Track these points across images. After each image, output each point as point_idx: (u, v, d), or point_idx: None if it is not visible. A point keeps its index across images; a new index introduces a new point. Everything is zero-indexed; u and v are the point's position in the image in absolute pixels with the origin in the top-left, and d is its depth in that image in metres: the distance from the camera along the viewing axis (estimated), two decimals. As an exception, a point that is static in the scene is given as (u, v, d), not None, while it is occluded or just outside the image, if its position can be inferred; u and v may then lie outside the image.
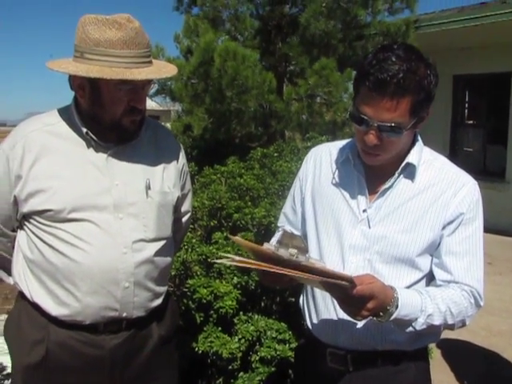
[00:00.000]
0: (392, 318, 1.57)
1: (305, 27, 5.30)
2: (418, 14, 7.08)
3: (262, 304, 3.27)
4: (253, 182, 3.65)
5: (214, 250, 3.13)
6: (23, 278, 1.91)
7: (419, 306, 1.61)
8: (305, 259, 1.49)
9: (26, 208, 1.84)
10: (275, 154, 4.23)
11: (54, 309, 1.86)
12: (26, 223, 1.89)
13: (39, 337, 1.88)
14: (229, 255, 1.56)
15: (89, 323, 1.87)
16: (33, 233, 1.87)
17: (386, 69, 1.56)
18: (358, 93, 1.68)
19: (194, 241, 3.21)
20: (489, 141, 11.39)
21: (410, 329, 1.64)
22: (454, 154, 11.44)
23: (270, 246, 1.54)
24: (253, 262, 1.54)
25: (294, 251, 1.49)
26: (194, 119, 5.44)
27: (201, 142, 5.53)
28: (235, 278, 3.04)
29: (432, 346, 3.83)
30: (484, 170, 11.12)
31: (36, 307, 1.89)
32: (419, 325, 1.63)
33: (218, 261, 1.67)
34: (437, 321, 1.66)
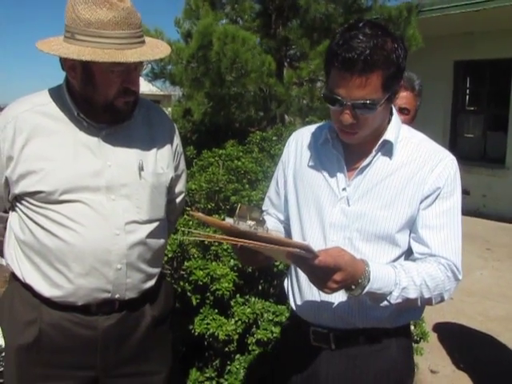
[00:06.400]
0: (365, 291, 1.58)
1: (305, 10, 5.25)
2: (419, -1, 7.02)
3: (260, 287, 3.27)
4: (251, 165, 3.65)
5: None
6: (15, 259, 1.91)
7: (393, 279, 1.62)
8: (262, 230, 1.54)
9: (17, 189, 1.84)
10: (274, 138, 4.22)
11: (46, 290, 1.86)
12: (18, 204, 1.88)
13: (32, 317, 1.88)
14: (195, 231, 1.61)
15: (81, 304, 1.88)
16: (25, 214, 1.86)
17: (353, 47, 1.57)
18: (328, 75, 1.69)
19: (191, 223, 3.21)
20: (489, 127, 11.36)
21: (386, 303, 1.65)
22: (455, 141, 11.43)
23: (230, 219, 1.59)
24: (215, 235, 1.67)
25: (252, 223, 1.55)
26: (193, 103, 5.42)
27: (201, 127, 5.51)
28: (232, 260, 3.05)
29: (428, 329, 3.85)
30: (484, 157, 11.12)
31: (28, 288, 1.89)
32: (394, 298, 1.64)
33: (188, 238, 1.75)
34: (412, 294, 1.66)
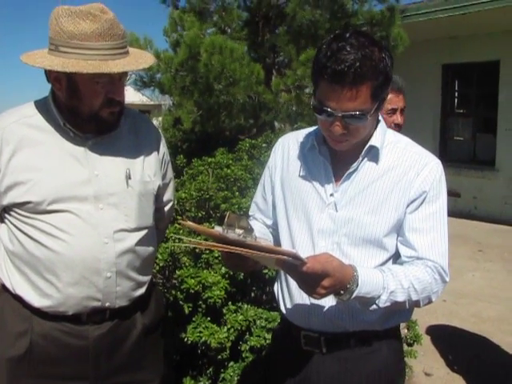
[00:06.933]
0: (353, 295, 1.59)
1: (292, 17, 5.29)
2: (405, 4, 7.08)
3: (252, 294, 3.28)
4: (240, 173, 3.65)
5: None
6: (5, 270, 1.92)
7: (381, 283, 1.63)
8: (250, 238, 1.55)
9: (5, 200, 1.85)
10: (264, 145, 4.23)
11: (36, 300, 1.87)
12: (7, 215, 1.89)
13: (23, 328, 1.88)
14: (184, 238, 1.63)
15: (72, 314, 1.88)
16: (13, 225, 1.87)
17: (342, 59, 1.56)
18: (317, 86, 1.68)
19: (181, 232, 3.21)
20: (478, 129, 11.44)
21: (374, 307, 1.66)
22: (445, 144, 11.49)
23: (219, 228, 1.60)
24: (204, 242, 1.67)
25: (240, 231, 1.57)
26: (183, 112, 5.42)
27: (191, 135, 5.52)
28: (223, 268, 3.05)
29: (421, 332, 3.86)
30: (474, 159, 11.18)
31: (19, 299, 1.89)
32: (382, 302, 1.65)
33: (179, 245, 1.78)
34: (400, 297, 1.67)
